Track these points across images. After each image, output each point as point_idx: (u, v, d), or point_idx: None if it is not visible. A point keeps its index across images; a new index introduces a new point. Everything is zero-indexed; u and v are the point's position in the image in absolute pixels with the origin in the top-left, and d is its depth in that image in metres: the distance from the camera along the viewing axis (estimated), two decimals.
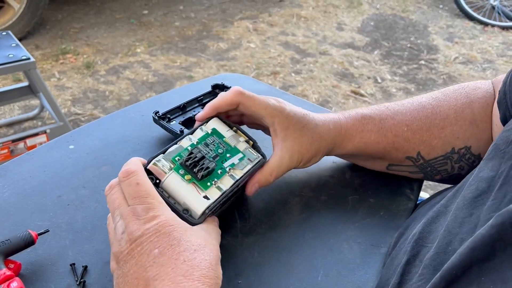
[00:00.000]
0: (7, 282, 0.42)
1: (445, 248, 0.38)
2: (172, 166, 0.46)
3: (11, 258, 0.47)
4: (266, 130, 0.59)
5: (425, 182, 0.66)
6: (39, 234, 0.49)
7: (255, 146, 0.53)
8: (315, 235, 0.54)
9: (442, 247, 0.38)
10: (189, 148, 0.48)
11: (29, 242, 0.47)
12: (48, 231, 0.50)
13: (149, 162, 0.46)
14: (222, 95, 0.52)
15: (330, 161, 0.67)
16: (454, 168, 0.57)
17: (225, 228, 0.51)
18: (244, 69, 2.84)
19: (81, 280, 0.46)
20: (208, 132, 0.50)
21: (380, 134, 0.56)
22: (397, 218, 0.57)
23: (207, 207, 0.45)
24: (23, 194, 0.56)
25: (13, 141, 1.74)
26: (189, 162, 0.46)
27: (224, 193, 0.46)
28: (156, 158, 0.46)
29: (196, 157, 0.46)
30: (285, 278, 0.49)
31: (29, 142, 1.79)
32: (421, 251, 0.42)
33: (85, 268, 0.48)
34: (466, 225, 0.38)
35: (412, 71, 2.98)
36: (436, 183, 1.93)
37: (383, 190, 0.62)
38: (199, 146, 0.48)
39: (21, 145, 1.77)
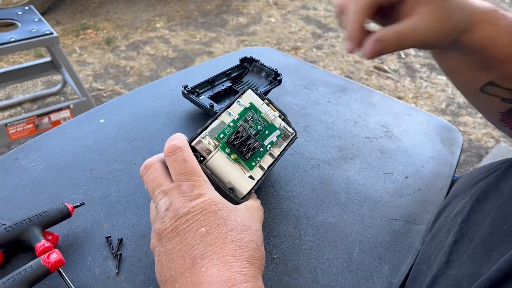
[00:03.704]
0: (47, 254, 0.42)
1: (500, 227, 0.37)
2: (218, 144, 0.45)
3: (48, 230, 0.47)
4: (395, 13, 0.47)
5: None
6: (75, 207, 0.49)
7: (286, 120, 0.52)
8: (349, 211, 0.53)
9: (496, 227, 0.37)
10: (231, 124, 0.47)
11: (66, 215, 0.48)
12: (83, 204, 0.51)
13: (193, 139, 0.45)
14: None
15: (363, 137, 0.65)
16: None
17: None
18: (264, 44, 2.80)
19: (118, 252, 0.47)
20: (246, 107, 0.49)
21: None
22: (434, 195, 0.56)
23: (253, 187, 0.44)
24: (57, 168, 0.57)
25: (38, 116, 1.76)
26: (237, 141, 0.45)
27: (266, 172, 0.46)
28: (201, 135, 0.45)
29: (242, 136, 0.46)
30: (320, 253, 0.48)
31: (53, 117, 1.81)
32: (470, 230, 0.41)
33: (121, 241, 0.48)
34: None
35: None
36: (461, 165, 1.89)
37: (419, 167, 0.60)
38: (241, 122, 0.47)
39: (45, 120, 1.79)
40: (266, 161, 0.47)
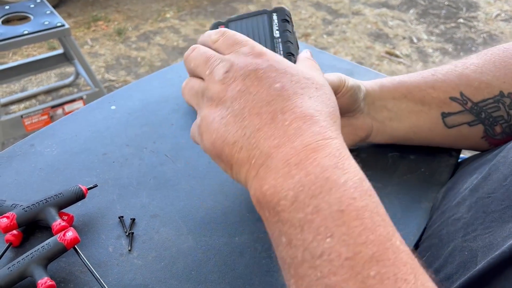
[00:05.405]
0: (63, 232, 0.44)
1: None
2: None
3: (64, 211, 0.50)
4: None
5: None
6: (89, 189, 0.51)
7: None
8: None
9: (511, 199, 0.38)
10: None
11: (80, 196, 0.50)
12: (97, 185, 0.52)
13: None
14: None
15: None
16: (510, 116, 0.52)
17: None
18: None
19: (130, 231, 0.49)
20: None
21: (404, 89, 0.56)
22: (438, 174, 0.57)
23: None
24: (71, 152, 0.59)
25: (52, 107, 1.80)
26: None
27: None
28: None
29: None
30: None
31: (67, 108, 1.85)
32: (484, 203, 0.41)
33: (133, 220, 0.50)
34: None
35: (450, 30, 2.86)
36: None
37: (424, 147, 0.61)
38: None
39: (59, 111, 1.83)
40: None
